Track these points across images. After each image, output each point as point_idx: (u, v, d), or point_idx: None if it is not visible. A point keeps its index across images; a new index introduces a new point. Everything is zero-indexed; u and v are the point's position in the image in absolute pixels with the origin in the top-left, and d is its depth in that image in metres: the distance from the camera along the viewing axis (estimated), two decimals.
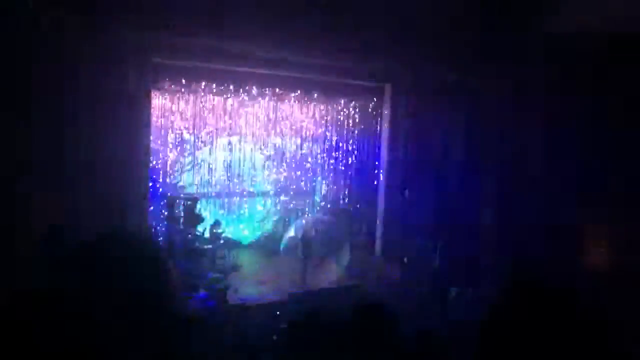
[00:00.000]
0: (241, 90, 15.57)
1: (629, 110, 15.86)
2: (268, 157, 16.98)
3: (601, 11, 14.25)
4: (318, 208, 17.79)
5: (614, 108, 16.17)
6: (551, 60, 15.99)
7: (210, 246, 14.36)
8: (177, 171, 15.38)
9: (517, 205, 15.96)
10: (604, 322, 1.09)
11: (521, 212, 15.90)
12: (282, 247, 15.25)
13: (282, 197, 17.45)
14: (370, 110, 17.31)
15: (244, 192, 16.77)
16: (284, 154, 17.17)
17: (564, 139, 16.71)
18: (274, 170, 17.16)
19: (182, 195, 14.19)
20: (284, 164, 17.30)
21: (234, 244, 15.27)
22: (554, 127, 16.60)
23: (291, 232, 15.56)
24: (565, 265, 15.38)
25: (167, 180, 15.03)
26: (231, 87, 15.24)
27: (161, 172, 14.91)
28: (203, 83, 14.69)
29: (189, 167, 15.53)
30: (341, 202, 17.66)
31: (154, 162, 14.47)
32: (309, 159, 17.58)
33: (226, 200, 16.43)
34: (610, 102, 16.15)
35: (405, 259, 15.42)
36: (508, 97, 16.28)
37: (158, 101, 14.47)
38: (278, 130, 16.89)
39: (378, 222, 17.16)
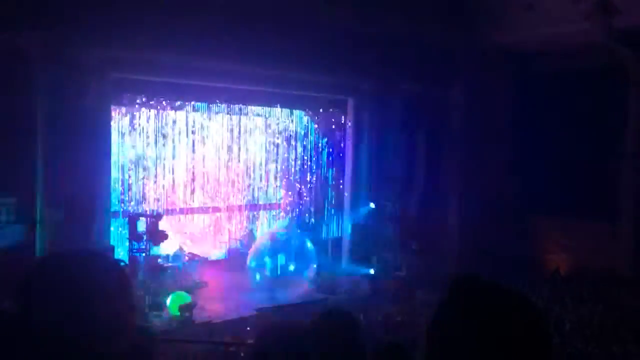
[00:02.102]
0: (203, 104, 15.50)
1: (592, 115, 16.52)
2: (233, 172, 16.86)
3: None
4: (285, 222, 17.72)
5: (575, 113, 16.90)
6: (505, 72, 16.63)
7: (174, 264, 14.14)
8: (140, 187, 15.12)
9: (479, 211, 16.35)
10: (541, 321, 1.11)
11: (483, 216, 16.33)
12: (248, 262, 15.11)
13: (249, 212, 17.34)
14: (333, 123, 17.46)
15: (209, 208, 16.59)
16: (248, 168, 17.09)
17: (524, 145, 17.39)
18: (239, 184, 17.05)
19: (145, 212, 13.95)
20: (249, 178, 17.22)
21: (199, 261, 15.06)
22: (510, 132, 17.26)
23: (258, 248, 15.44)
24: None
25: (130, 196, 14.76)
26: (193, 102, 15.16)
27: (123, 188, 14.64)
28: (164, 98, 14.57)
29: (151, 183, 15.28)
30: (307, 216, 17.66)
31: (116, 178, 14.20)
32: (275, 173, 17.54)
33: (190, 216, 16.22)
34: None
35: (372, 271, 15.51)
36: (464, 106, 16.80)
37: (118, 116, 14.22)
38: (242, 144, 16.82)
39: (344, 235, 17.25)
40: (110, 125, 13.24)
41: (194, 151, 15.92)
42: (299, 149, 17.42)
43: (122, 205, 14.50)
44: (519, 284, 14.56)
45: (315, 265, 15.06)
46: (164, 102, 14.77)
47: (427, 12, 14.81)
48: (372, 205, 16.59)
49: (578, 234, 16.69)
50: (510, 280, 14.58)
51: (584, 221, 16.57)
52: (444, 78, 16.47)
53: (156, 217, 13.24)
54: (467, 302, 1.10)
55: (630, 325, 11.32)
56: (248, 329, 11.11)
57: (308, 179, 17.57)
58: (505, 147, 17.05)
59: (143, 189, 15.06)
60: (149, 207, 14.95)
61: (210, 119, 16.06)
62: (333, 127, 17.51)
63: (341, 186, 17.58)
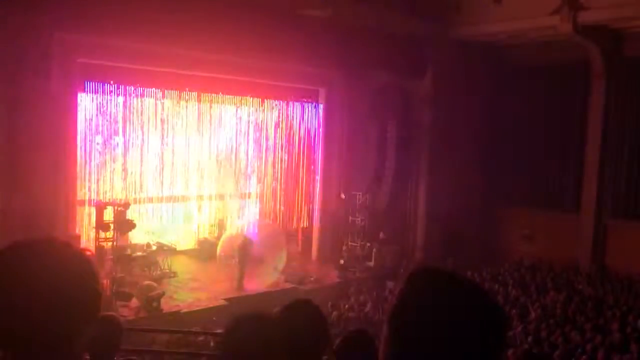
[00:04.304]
0: (174, 92, 15.28)
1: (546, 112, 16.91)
2: (203, 161, 16.69)
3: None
4: (255, 212, 17.67)
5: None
6: (475, 64, 16.86)
7: (142, 253, 13.99)
8: (107, 176, 14.84)
9: (447, 201, 16.61)
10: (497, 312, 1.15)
11: (451, 206, 16.60)
12: (218, 252, 15.03)
13: (218, 201, 17.23)
14: (305, 114, 17.44)
15: (178, 197, 16.41)
16: (219, 157, 16.94)
17: (488, 135, 17.75)
18: (209, 174, 16.89)
19: (112, 201, 13.72)
20: (220, 167, 17.07)
21: (167, 250, 14.93)
22: (479, 124, 17.56)
23: (227, 237, 15.36)
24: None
25: (97, 185, 14.48)
26: (164, 89, 14.93)
27: (89, 177, 14.35)
28: (133, 85, 14.31)
29: (119, 171, 15.01)
30: (278, 205, 17.63)
31: (82, 166, 13.91)
32: (246, 163, 17.43)
33: (159, 205, 16.02)
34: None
35: (342, 261, 15.62)
36: (434, 98, 17.01)
37: (85, 103, 13.90)
38: (213, 133, 16.65)
39: (314, 225, 17.31)
40: (76, 112, 12.95)
41: (163, 139, 15.70)
42: (270, 139, 17.34)
43: (89, 193, 14.22)
44: (485, 274, 14.89)
45: (284, 255, 15.07)
46: (132, 89, 14.50)
47: (397, 3, 14.88)
48: (342, 195, 16.67)
49: (544, 225, 17.13)
50: (478, 270, 14.95)
51: (550, 212, 17.00)
52: (415, 69, 16.61)
53: (123, 205, 13.04)
54: (423, 292, 1.13)
55: (588, 314, 11.69)
56: (214, 319, 11.10)
57: (279, 168, 17.53)
58: (474, 138, 17.33)
59: (110, 177, 14.79)
60: (116, 195, 14.69)
61: (180, 107, 15.84)
62: (304, 117, 17.49)
63: (312, 176, 17.61)
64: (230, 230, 15.90)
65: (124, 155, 14.90)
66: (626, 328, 10.51)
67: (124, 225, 12.65)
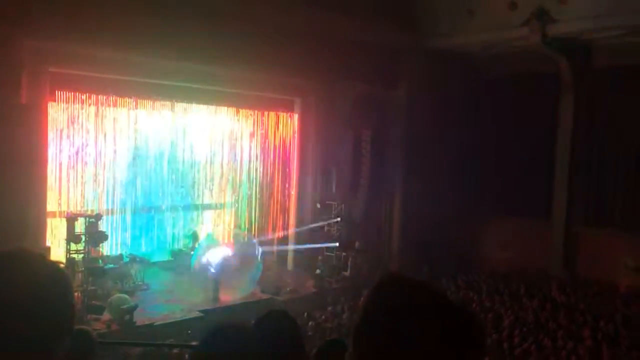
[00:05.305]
0: (147, 102, 15.14)
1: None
2: (177, 171, 16.53)
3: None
4: (230, 222, 17.54)
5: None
6: (449, 75, 17.11)
7: (115, 265, 13.75)
8: (78, 187, 14.58)
9: (422, 210, 16.71)
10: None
11: (426, 215, 16.73)
12: (192, 264, 14.86)
13: (192, 212, 17.05)
14: (280, 123, 17.44)
15: (152, 208, 16.20)
16: (192, 167, 16.80)
17: (463, 141, 18.00)
18: (184, 184, 16.73)
19: (83, 212, 13.47)
20: (194, 177, 16.92)
21: (140, 262, 14.70)
22: (453, 134, 17.80)
23: (201, 249, 15.20)
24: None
25: (67, 196, 14.20)
26: (137, 99, 14.78)
27: (60, 187, 14.07)
28: (105, 94, 14.13)
29: (90, 182, 14.76)
30: (253, 215, 17.54)
31: (53, 177, 13.64)
32: (220, 173, 17.31)
33: (132, 216, 15.79)
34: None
35: (318, 271, 15.58)
36: (408, 107, 17.20)
37: (56, 113, 13.65)
38: (186, 143, 16.51)
39: (290, 235, 17.26)
40: (46, 121, 12.71)
41: (136, 149, 15.51)
42: (245, 149, 17.28)
43: (60, 205, 13.93)
44: (460, 282, 15.03)
45: (260, 265, 14.97)
46: (104, 99, 14.31)
47: (372, 13, 15.03)
48: (317, 205, 16.67)
49: (517, 233, 17.37)
50: (452, 278, 15.08)
51: (523, 221, 17.26)
52: (389, 80, 16.78)
53: (95, 217, 12.83)
54: (388, 299, 1.12)
55: (559, 320, 11.88)
56: (189, 332, 10.96)
57: (254, 178, 17.46)
58: (448, 148, 17.52)
59: (82, 188, 14.53)
60: (87, 207, 14.43)
61: (153, 117, 15.68)
62: (279, 127, 17.48)
63: (287, 186, 17.58)
64: (205, 241, 15.74)
65: (96, 165, 14.68)
66: (597, 334, 10.70)
67: (95, 236, 12.45)
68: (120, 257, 14.36)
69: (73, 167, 14.26)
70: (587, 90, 16.26)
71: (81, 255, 12.24)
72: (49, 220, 13.19)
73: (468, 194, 17.88)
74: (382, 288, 1.14)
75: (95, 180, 14.69)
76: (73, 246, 12.17)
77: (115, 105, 14.59)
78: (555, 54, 15.73)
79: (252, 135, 17.30)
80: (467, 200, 17.88)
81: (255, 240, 16.00)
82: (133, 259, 14.53)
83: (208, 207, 17.33)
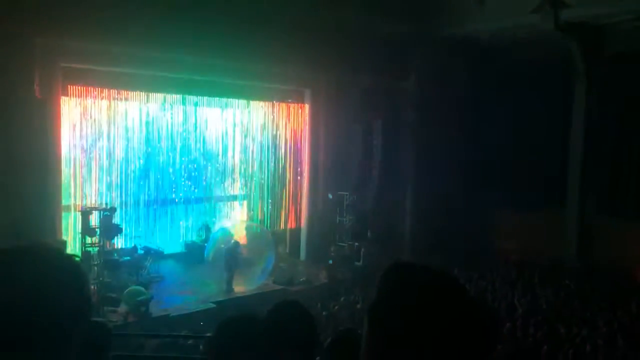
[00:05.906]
0: (158, 95, 15.20)
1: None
2: (189, 164, 16.61)
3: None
4: (243, 215, 17.61)
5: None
6: (460, 64, 16.97)
7: (129, 258, 13.87)
8: (92, 181, 14.70)
9: (434, 200, 16.66)
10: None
11: (438, 205, 16.68)
12: (206, 255, 14.97)
13: (205, 204, 17.14)
14: (291, 114, 17.43)
15: (165, 201, 16.31)
16: (205, 160, 16.87)
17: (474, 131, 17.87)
18: (196, 176, 16.80)
19: (98, 206, 13.60)
20: (206, 170, 17.00)
21: (154, 255, 14.83)
22: (465, 124, 17.68)
23: (214, 240, 15.29)
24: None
25: (82, 190, 14.34)
26: (148, 92, 14.84)
27: (75, 181, 14.21)
28: (117, 89, 14.21)
29: (104, 176, 14.88)
30: (265, 207, 17.60)
31: (67, 172, 13.76)
32: (232, 165, 17.37)
33: (146, 209, 15.90)
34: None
35: (330, 261, 15.63)
36: (419, 98, 17.09)
37: (69, 107, 13.76)
38: (199, 136, 16.58)
39: (302, 226, 17.30)
40: (59, 116, 12.81)
41: (149, 143, 15.60)
42: (256, 141, 17.31)
43: (74, 199, 14.08)
44: (472, 271, 14.97)
45: (273, 257, 15.04)
46: (116, 93, 14.40)
47: (381, 4, 14.92)
48: (330, 195, 16.68)
49: (530, 222, 17.24)
50: (465, 268, 15.02)
51: (536, 210, 17.11)
52: (399, 69, 16.67)
53: (110, 210, 12.95)
54: (399, 287, 1.13)
55: (574, 308, 11.81)
56: (202, 323, 11.05)
57: (265, 170, 17.49)
58: (459, 137, 17.41)
59: (96, 181, 14.66)
60: (102, 200, 14.56)
61: (165, 110, 15.76)
62: (290, 118, 17.49)
63: (299, 177, 17.61)
64: (218, 233, 15.83)
65: (109, 158, 14.79)
66: (613, 324, 10.63)
67: (110, 230, 12.57)
68: (135, 249, 14.49)
69: (87, 161, 14.39)
70: (601, 77, 16.03)
71: (96, 249, 12.38)
72: (63, 214, 13.33)
73: (480, 183, 17.77)
74: (396, 270, 1.16)
75: (108, 174, 14.80)
76: (88, 239, 12.31)
77: (127, 98, 14.68)
78: (568, 41, 15.52)
79: (262, 127, 17.32)
80: (480, 190, 17.77)
81: (267, 232, 16.07)
82: (147, 252, 14.66)
83: (221, 199, 17.41)
